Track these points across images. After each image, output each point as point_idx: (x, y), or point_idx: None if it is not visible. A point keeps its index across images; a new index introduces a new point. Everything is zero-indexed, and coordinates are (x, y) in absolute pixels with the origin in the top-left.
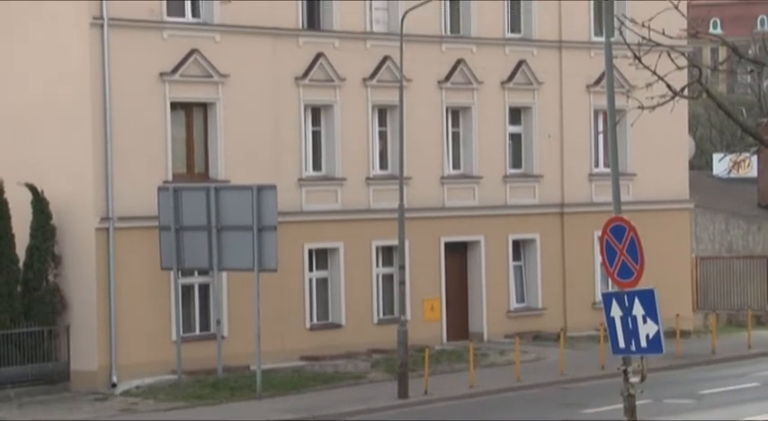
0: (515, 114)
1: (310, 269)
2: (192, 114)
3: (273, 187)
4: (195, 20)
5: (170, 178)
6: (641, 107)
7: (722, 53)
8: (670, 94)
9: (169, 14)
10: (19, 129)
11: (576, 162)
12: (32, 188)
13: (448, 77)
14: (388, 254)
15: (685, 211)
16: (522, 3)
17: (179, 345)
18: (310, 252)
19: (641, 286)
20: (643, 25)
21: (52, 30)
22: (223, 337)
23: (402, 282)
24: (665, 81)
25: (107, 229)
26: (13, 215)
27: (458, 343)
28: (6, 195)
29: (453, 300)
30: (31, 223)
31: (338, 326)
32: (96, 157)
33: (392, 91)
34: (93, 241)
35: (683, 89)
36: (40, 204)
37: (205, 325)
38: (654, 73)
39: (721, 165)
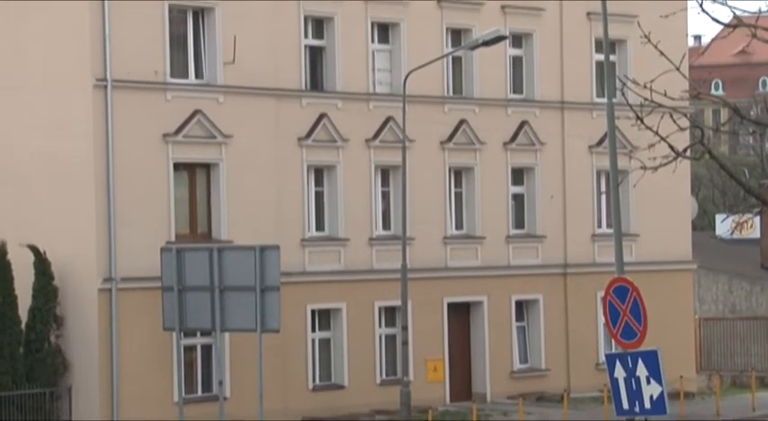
0: (518, 175)
1: (313, 329)
2: (195, 175)
3: (276, 247)
4: (198, 81)
5: (173, 238)
6: (644, 168)
7: (724, 114)
8: (672, 154)
9: (173, 76)
10: (22, 189)
11: (578, 222)
12: (35, 249)
13: (450, 138)
14: (390, 314)
15: (688, 272)
16: (524, 64)
17: (181, 406)
18: (313, 312)
19: (645, 347)
20: (645, 86)
21: (56, 90)
22: (225, 398)
23: (405, 343)
24: (667, 142)
25: (109, 290)
26: (15, 276)
27: (461, 404)
28: (9, 256)
29: (456, 360)
30: (34, 284)
31: (341, 386)
32: (99, 218)
33: (395, 151)
34: (95, 302)
35: (685, 150)
36: (42, 265)
37: (207, 385)
38: (656, 134)
39: (724, 225)
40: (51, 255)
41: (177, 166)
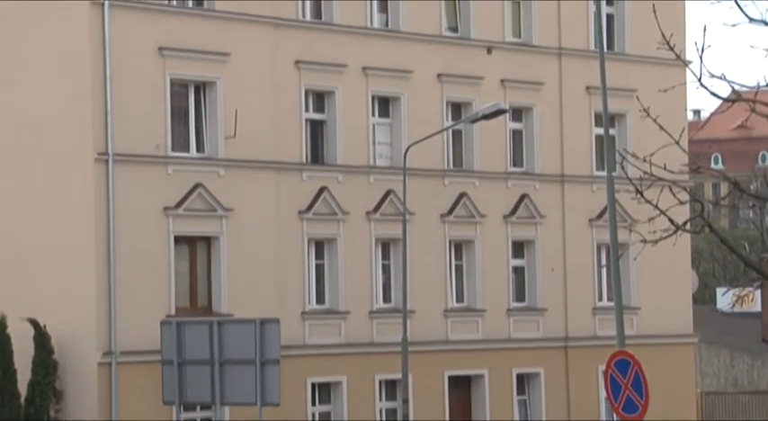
0: (518, 248)
1: (313, 403)
2: (196, 248)
3: (276, 321)
4: (199, 154)
5: (173, 312)
6: (644, 241)
7: (724, 188)
8: (673, 228)
9: (174, 149)
10: (22, 262)
11: (579, 295)
12: (34, 323)
13: (451, 211)
14: (391, 387)
15: (690, 346)
16: (524, 137)
17: None
18: (313, 386)
19: None
20: (644, 160)
21: (57, 164)
22: None
23: (406, 417)
24: (667, 215)
25: (109, 364)
26: (15, 349)
27: None
28: (9, 330)
29: None
30: (33, 358)
31: None
32: (99, 291)
33: (395, 224)
34: (95, 376)
35: (685, 223)
36: (42, 339)
37: None
38: (656, 207)
39: (725, 299)
40: (51, 328)
41: (178, 240)
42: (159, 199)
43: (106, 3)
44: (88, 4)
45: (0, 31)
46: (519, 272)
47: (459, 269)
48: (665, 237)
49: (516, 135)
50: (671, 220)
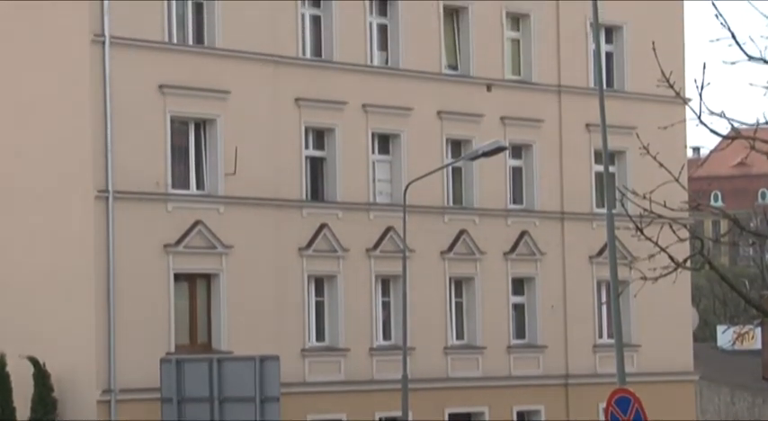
0: (518, 285)
1: None
2: (196, 285)
3: (276, 358)
4: (199, 192)
5: (173, 349)
6: (644, 278)
7: (724, 225)
8: (673, 265)
9: (174, 187)
10: (22, 299)
11: (579, 333)
12: (34, 361)
13: (451, 248)
14: None
15: (690, 383)
16: (523, 174)
17: None
18: None
19: None
20: (644, 197)
21: (56, 200)
22: None
23: None
24: (667, 253)
25: (109, 402)
26: (14, 387)
27: None
28: (8, 368)
29: None
30: (33, 396)
31: None
32: (99, 329)
33: (395, 261)
34: (94, 413)
35: (685, 261)
36: (41, 377)
37: None
38: (656, 244)
39: (725, 336)
40: (51, 365)
41: (178, 277)
42: (159, 236)
43: (107, 40)
44: (89, 41)
45: (1, 67)
46: (519, 309)
47: (459, 306)
48: (666, 275)
49: (516, 172)
50: (671, 258)
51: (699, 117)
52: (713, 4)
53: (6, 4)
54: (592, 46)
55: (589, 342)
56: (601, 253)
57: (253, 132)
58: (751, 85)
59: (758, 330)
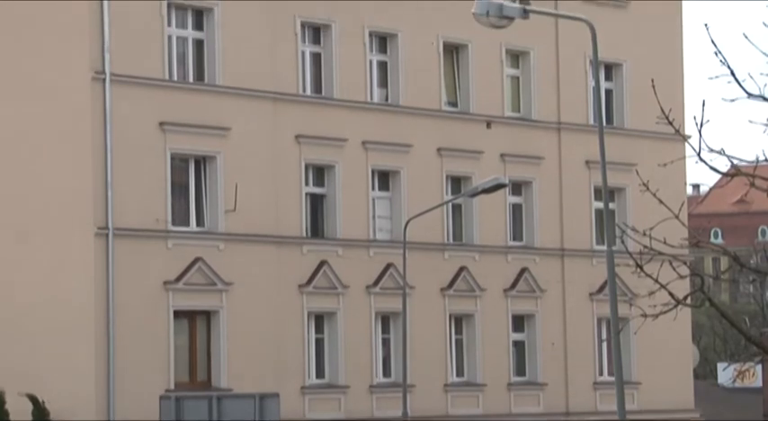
0: (518, 322)
1: None
2: (196, 322)
3: (276, 395)
4: (199, 228)
5: (172, 386)
6: (644, 315)
7: (724, 263)
8: (673, 302)
9: (174, 223)
10: (21, 335)
11: (580, 370)
12: (33, 398)
13: (451, 285)
14: None
15: None
16: (523, 211)
17: None
18: None
19: None
20: (644, 234)
21: (57, 237)
22: None
23: None
24: (667, 289)
25: None
26: None
27: None
28: (7, 405)
29: None
30: None
31: None
32: (98, 366)
33: (395, 298)
34: None
35: (685, 298)
36: (40, 415)
37: None
38: (656, 281)
39: (726, 374)
40: (50, 403)
41: (177, 314)
42: (159, 273)
43: (107, 78)
44: (89, 78)
45: (2, 105)
46: (519, 346)
47: (459, 343)
48: (666, 312)
49: (516, 209)
50: (671, 294)
51: (698, 154)
52: (712, 41)
53: (7, 40)
54: (591, 83)
55: (590, 379)
56: (601, 290)
57: (253, 169)
58: (750, 122)
59: (759, 368)
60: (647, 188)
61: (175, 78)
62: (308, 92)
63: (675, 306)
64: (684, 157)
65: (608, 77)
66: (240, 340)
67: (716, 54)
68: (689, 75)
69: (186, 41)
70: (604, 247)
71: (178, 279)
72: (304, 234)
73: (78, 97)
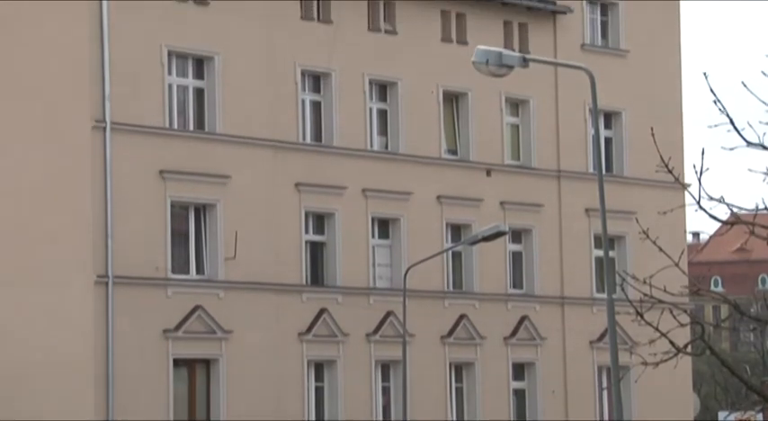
0: (519, 370)
1: None
2: (195, 371)
3: None
4: (199, 276)
5: None
6: (645, 363)
7: (724, 311)
8: (673, 350)
9: (173, 271)
10: (20, 385)
11: (580, 418)
12: None
13: (451, 333)
14: None
15: None
16: (523, 259)
17: None
18: None
19: None
20: (644, 282)
21: (56, 286)
22: None
23: None
24: (667, 338)
25: None
26: None
27: None
28: None
29: None
30: None
31: None
32: (98, 415)
33: (395, 346)
34: None
35: (686, 346)
36: None
37: None
38: (656, 330)
39: None
40: None
41: (177, 362)
42: (158, 321)
43: (107, 126)
44: (90, 126)
45: (2, 151)
46: (520, 394)
47: (459, 391)
48: (666, 360)
49: (516, 257)
50: (672, 343)
51: (698, 202)
52: (711, 90)
53: (8, 87)
54: (591, 131)
55: None
56: (601, 338)
57: (253, 217)
58: (750, 170)
59: (760, 416)
60: (647, 236)
61: (176, 126)
62: (308, 140)
63: (676, 354)
64: (684, 205)
65: (607, 125)
66: (240, 388)
67: (715, 102)
68: (688, 123)
69: (187, 90)
70: (605, 295)
71: (178, 327)
72: (304, 282)
73: (78, 145)
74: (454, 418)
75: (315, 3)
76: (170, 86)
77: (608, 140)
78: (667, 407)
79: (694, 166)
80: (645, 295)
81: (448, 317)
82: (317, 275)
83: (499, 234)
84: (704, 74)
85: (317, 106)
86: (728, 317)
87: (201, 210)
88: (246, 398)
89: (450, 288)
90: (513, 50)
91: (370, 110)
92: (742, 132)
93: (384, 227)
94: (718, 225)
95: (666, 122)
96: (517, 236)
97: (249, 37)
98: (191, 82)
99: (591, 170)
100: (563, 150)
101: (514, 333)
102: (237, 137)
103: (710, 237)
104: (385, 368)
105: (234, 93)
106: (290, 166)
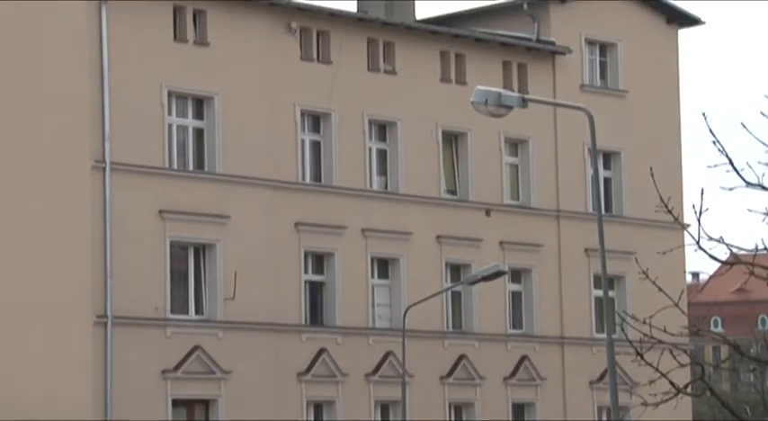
0: (518, 410)
1: None
2: (194, 411)
3: None
4: (198, 316)
5: None
6: (645, 404)
7: (724, 351)
8: (673, 391)
9: (173, 311)
10: None
11: None
12: None
13: (450, 373)
14: None
15: None
16: (523, 299)
17: None
18: None
19: None
20: (644, 322)
21: (55, 326)
22: None
23: None
24: (668, 378)
25: None
26: None
27: None
28: None
29: None
30: None
31: None
32: None
33: (395, 386)
34: None
35: (686, 386)
36: None
37: None
38: (656, 370)
39: None
40: None
41: (176, 403)
42: (157, 361)
43: (107, 166)
44: (90, 167)
45: (2, 192)
46: None
47: None
48: (666, 400)
49: (515, 297)
50: (672, 383)
51: (697, 242)
52: (710, 130)
53: (9, 129)
54: (590, 171)
55: None
56: (601, 378)
57: (252, 257)
58: (749, 210)
59: None
60: (647, 276)
61: (175, 167)
62: (308, 180)
63: (676, 395)
64: (684, 246)
65: (607, 166)
66: None
67: (714, 143)
68: (687, 163)
69: (186, 130)
70: (604, 335)
71: (177, 367)
72: (303, 322)
73: (78, 185)
74: None
75: (314, 43)
76: (170, 126)
77: (607, 180)
78: None
79: (694, 206)
80: (645, 335)
81: (447, 358)
82: (316, 315)
83: (498, 274)
84: (703, 114)
85: (316, 146)
86: (728, 358)
87: (201, 250)
88: None
89: (450, 328)
90: (513, 91)
91: (370, 150)
92: (741, 172)
93: (383, 266)
94: (717, 265)
95: (665, 162)
96: (517, 276)
97: (249, 77)
98: (190, 122)
99: (590, 210)
100: (562, 190)
101: (514, 373)
102: (237, 177)
103: (710, 277)
104: (384, 408)
105: (234, 133)
106: (289, 206)
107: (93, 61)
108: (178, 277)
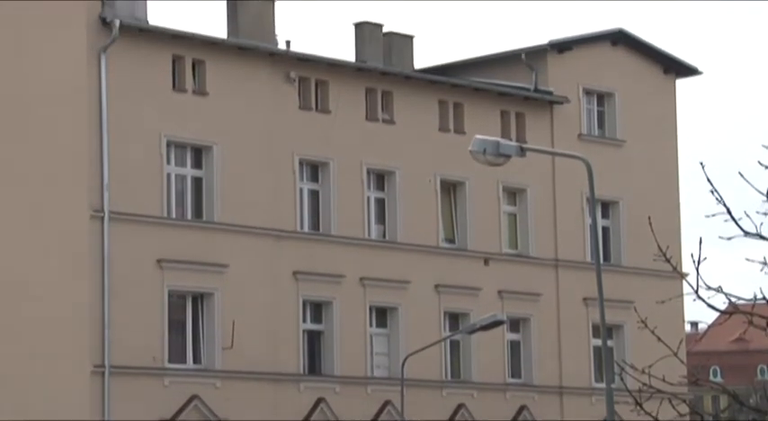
0: None
1: None
2: None
3: None
4: (196, 366)
5: None
6: None
7: (723, 401)
8: None
9: (170, 361)
10: None
11: None
12: None
13: None
14: None
15: None
16: (521, 348)
17: None
18: None
19: None
20: (643, 372)
21: (53, 375)
22: None
23: None
24: None
25: None
26: None
27: None
28: None
29: None
30: None
31: None
32: None
33: None
34: None
35: None
36: None
37: None
38: (656, 419)
39: None
40: None
41: None
42: (155, 411)
43: (106, 216)
44: (88, 216)
45: (1, 244)
46: None
47: None
48: None
49: (514, 346)
50: None
51: (696, 292)
52: (708, 180)
53: (7, 177)
54: (588, 220)
55: None
56: None
57: (250, 306)
58: (748, 260)
59: None
60: (646, 325)
61: (174, 216)
62: (306, 228)
63: None
64: (682, 295)
65: (605, 215)
66: None
67: (712, 192)
68: (685, 212)
69: (185, 179)
70: (603, 385)
71: (174, 417)
72: (301, 371)
73: (76, 234)
74: None
75: (313, 92)
76: (168, 176)
77: (605, 229)
78: None
79: (692, 256)
80: (644, 385)
81: (446, 407)
82: (314, 364)
83: (497, 323)
84: (701, 163)
85: (315, 195)
86: (728, 408)
87: (199, 299)
88: None
89: (449, 377)
90: (511, 140)
91: (368, 199)
92: (739, 222)
93: (382, 315)
94: (716, 315)
95: (664, 212)
96: (515, 325)
97: (247, 126)
98: (189, 171)
99: (589, 259)
100: (560, 239)
101: None
102: (235, 225)
103: (709, 326)
104: None
105: (232, 182)
106: (288, 255)
107: (92, 110)
108: (176, 326)
